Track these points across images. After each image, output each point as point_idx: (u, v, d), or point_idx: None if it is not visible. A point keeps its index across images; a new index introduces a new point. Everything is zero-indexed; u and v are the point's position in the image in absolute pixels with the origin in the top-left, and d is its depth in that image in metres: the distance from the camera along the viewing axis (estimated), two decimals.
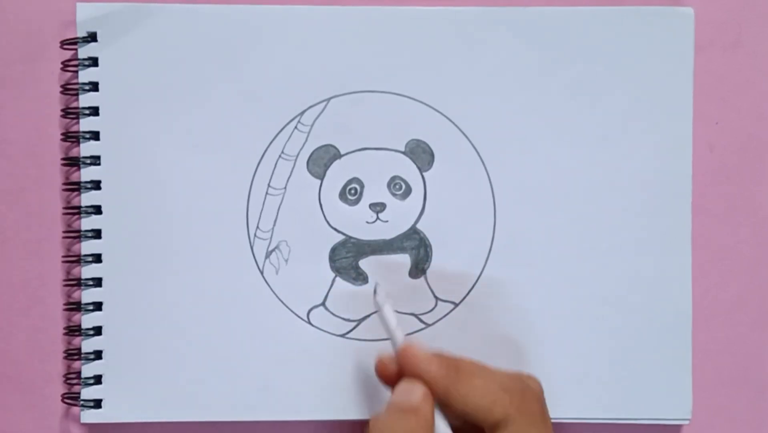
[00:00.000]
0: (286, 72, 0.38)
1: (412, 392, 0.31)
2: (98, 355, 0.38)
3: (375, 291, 0.34)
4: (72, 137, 0.38)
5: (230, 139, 0.38)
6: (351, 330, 0.38)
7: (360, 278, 0.38)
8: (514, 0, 0.38)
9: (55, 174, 0.39)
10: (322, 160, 0.38)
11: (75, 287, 0.38)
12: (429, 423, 0.30)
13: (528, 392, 0.32)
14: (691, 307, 0.38)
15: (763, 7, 0.40)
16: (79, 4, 0.37)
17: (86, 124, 0.38)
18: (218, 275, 0.38)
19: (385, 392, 0.38)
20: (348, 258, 0.38)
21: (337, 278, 0.38)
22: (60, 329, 0.39)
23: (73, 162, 0.38)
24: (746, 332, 0.40)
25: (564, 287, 0.38)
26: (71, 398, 0.38)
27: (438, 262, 0.38)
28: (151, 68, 0.38)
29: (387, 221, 0.38)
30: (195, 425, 0.38)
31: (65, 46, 0.38)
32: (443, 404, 0.31)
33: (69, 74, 0.38)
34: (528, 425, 0.31)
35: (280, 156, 0.38)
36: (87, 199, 0.38)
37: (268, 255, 0.38)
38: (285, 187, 0.38)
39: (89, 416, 0.38)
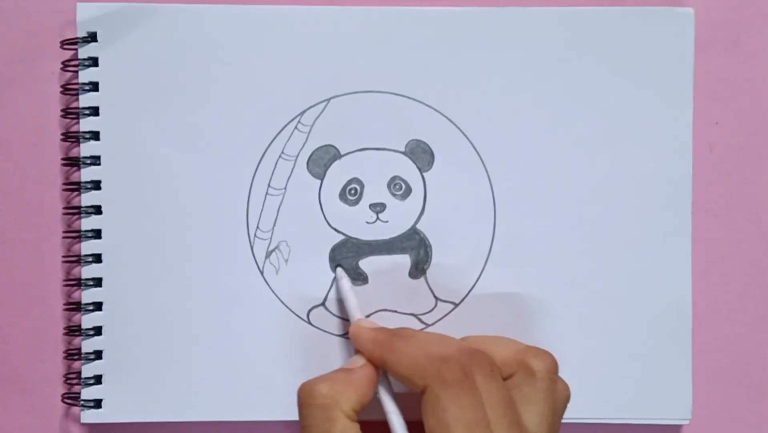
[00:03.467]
0: (286, 72, 0.38)
1: (354, 360, 0.34)
2: (98, 355, 0.38)
3: (336, 274, 0.37)
4: (72, 137, 0.38)
5: (230, 139, 0.38)
6: None
7: (360, 278, 0.38)
8: (514, 0, 0.38)
9: (55, 174, 0.39)
10: (322, 160, 0.38)
11: (75, 287, 0.38)
12: (361, 384, 0.32)
13: (450, 361, 0.30)
14: (691, 307, 0.38)
15: (763, 7, 0.40)
16: (79, 4, 0.37)
17: (86, 124, 0.38)
18: (218, 275, 0.38)
19: None
20: (348, 258, 0.38)
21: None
22: (60, 329, 0.39)
23: (73, 162, 0.38)
24: (746, 332, 0.40)
25: (564, 287, 0.38)
26: (71, 398, 0.38)
27: (438, 262, 0.38)
28: (151, 68, 0.38)
29: (387, 222, 0.38)
30: (195, 425, 0.38)
31: (65, 46, 0.38)
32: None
33: (69, 74, 0.38)
34: (448, 395, 0.29)
35: (280, 156, 0.38)
36: (87, 199, 0.38)
37: (268, 255, 0.38)
38: (285, 188, 0.38)
39: (89, 416, 0.38)
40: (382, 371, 0.33)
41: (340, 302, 0.38)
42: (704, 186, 0.39)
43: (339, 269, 0.38)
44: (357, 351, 0.34)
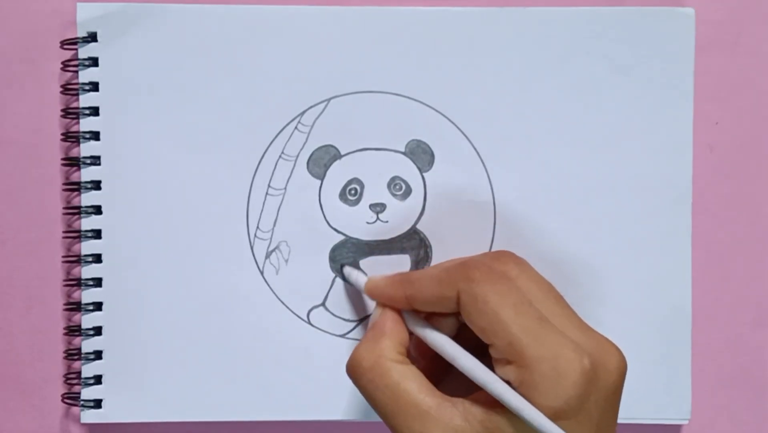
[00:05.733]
0: (286, 72, 0.38)
1: (374, 315, 0.33)
2: (98, 355, 0.38)
3: (344, 272, 0.37)
4: (72, 137, 0.38)
5: (230, 139, 0.38)
6: (351, 330, 0.38)
7: None
8: (514, 0, 0.38)
9: (55, 174, 0.39)
10: (322, 160, 0.38)
11: (75, 287, 0.38)
12: (391, 328, 0.32)
13: (472, 262, 0.30)
14: (690, 307, 0.38)
15: (763, 7, 0.40)
16: (79, 4, 0.37)
17: (86, 124, 0.38)
18: (218, 275, 0.38)
19: None
20: (348, 258, 0.38)
21: (337, 278, 0.38)
22: (60, 329, 0.39)
23: (73, 162, 0.38)
24: (746, 332, 0.40)
25: (563, 288, 0.38)
26: (71, 398, 0.38)
27: (438, 262, 0.38)
28: (151, 68, 0.38)
29: (387, 222, 0.38)
30: (195, 425, 0.38)
31: (65, 46, 0.38)
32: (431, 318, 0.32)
33: (69, 74, 0.38)
34: (483, 288, 0.29)
35: (280, 156, 0.38)
36: (87, 199, 0.38)
37: (268, 255, 0.38)
38: (285, 188, 0.38)
39: (89, 416, 0.38)
40: (406, 313, 0.33)
41: (353, 291, 0.38)
42: (704, 186, 0.39)
43: (346, 268, 0.37)
44: (377, 306, 0.34)
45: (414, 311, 0.33)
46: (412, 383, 0.30)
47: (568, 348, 0.28)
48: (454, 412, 0.29)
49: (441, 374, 0.33)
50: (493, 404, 0.28)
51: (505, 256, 0.32)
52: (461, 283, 0.30)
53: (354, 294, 0.38)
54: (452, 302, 0.30)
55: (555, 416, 0.27)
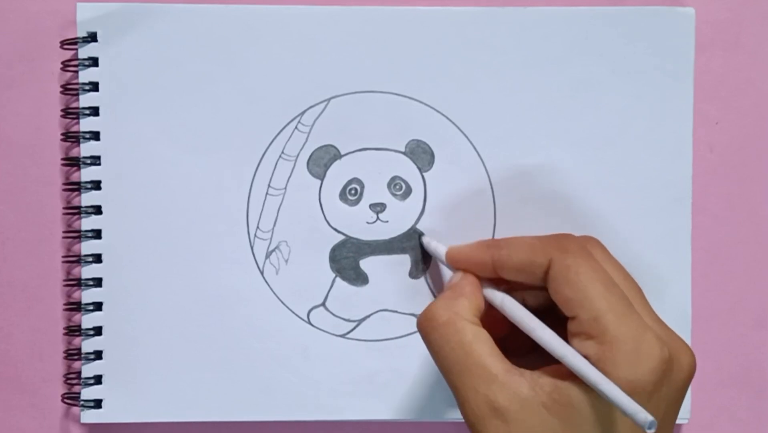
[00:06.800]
0: (286, 72, 0.38)
1: (452, 278, 0.33)
2: (98, 355, 0.38)
3: (423, 241, 0.38)
4: (72, 137, 0.38)
5: (230, 139, 0.38)
6: (351, 330, 0.38)
7: (360, 278, 0.38)
8: (514, 0, 0.38)
9: (55, 174, 0.39)
10: (322, 160, 0.38)
11: (75, 287, 0.38)
12: (470, 291, 0.32)
13: (568, 235, 0.31)
14: (690, 307, 0.38)
15: (763, 7, 0.40)
16: (79, 4, 0.37)
17: (86, 124, 0.38)
18: (218, 275, 0.38)
19: (386, 395, 0.38)
20: (348, 258, 0.38)
21: (337, 278, 0.38)
22: (60, 329, 0.39)
23: (73, 162, 0.38)
24: (746, 332, 0.40)
25: None
26: (71, 398, 0.38)
27: (438, 262, 0.38)
28: (151, 68, 0.38)
29: (387, 222, 0.38)
30: (195, 425, 0.38)
31: (65, 46, 0.38)
32: (508, 285, 0.32)
33: (69, 74, 0.38)
34: (577, 260, 0.29)
35: (280, 156, 0.38)
36: (87, 199, 0.38)
37: (268, 255, 0.38)
38: (285, 188, 0.38)
39: (89, 416, 0.38)
40: (484, 283, 0.33)
41: (428, 261, 0.38)
42: (704, 186, 0.39)
43: (424, 238, 0.37)
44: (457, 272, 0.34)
45: (492, 281, 0.32)
46: (484, 346, 0.30)
47: (651, 334, 0.28)
48: (522, 381, 0.29)
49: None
50: (562, 377, 0.28)
51: (593, 241, 0.32)
52: (555, 252, 0.30)
53: (354, 295, 0.38)
54: (541, 269, 0.30)
55: (629, 394, 0.27)
